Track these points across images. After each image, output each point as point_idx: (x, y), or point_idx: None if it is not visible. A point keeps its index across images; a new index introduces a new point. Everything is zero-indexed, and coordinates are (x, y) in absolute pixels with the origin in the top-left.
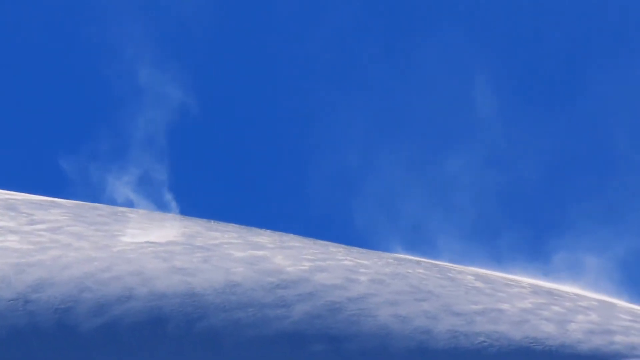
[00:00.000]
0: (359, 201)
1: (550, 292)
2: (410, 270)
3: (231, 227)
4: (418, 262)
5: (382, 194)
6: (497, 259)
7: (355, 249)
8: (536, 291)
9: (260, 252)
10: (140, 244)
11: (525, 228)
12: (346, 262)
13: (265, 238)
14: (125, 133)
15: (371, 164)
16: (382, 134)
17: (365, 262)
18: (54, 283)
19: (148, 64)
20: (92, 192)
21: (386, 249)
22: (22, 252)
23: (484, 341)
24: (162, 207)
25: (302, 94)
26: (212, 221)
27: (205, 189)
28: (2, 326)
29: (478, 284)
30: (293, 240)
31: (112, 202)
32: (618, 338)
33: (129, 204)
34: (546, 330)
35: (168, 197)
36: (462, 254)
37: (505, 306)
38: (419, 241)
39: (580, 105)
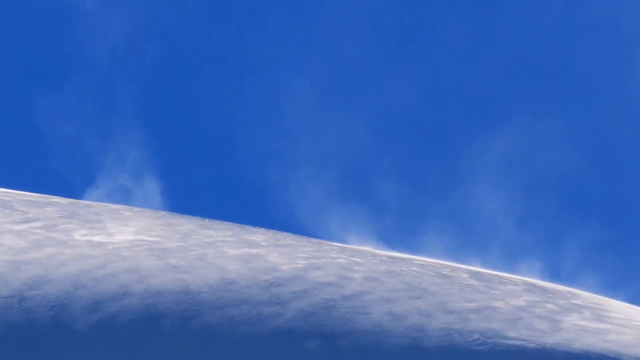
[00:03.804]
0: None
1: (544, 290)
2: (404, 268)
3: (225, 225)
4: (412, 260)
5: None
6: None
7: (349, 247)
8: (530, 289)
9: (254, 250)
10: (135, 242)
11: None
12: (340, 260)
13: (259, 236)
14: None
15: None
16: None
17: (360, 260)
18: (50, 280)
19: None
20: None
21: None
22: (17, 250)
23: (478, 339)
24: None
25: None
26: (207, 219)
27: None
28: None
29: (472, 281)
30: (287, 238)
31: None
32: (611, 336)
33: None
34: (540, 327)
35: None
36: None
37: (499, 304)
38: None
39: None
